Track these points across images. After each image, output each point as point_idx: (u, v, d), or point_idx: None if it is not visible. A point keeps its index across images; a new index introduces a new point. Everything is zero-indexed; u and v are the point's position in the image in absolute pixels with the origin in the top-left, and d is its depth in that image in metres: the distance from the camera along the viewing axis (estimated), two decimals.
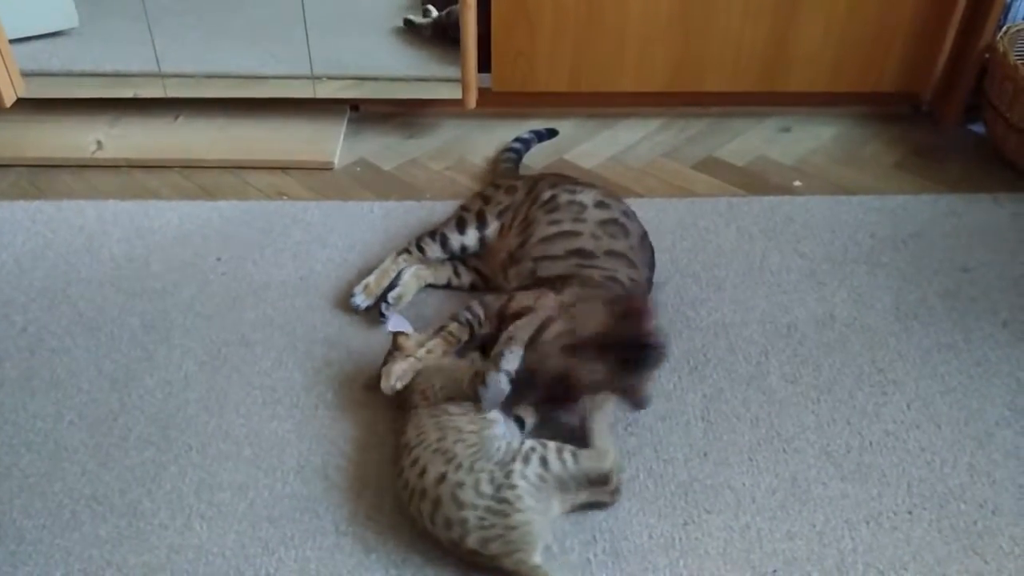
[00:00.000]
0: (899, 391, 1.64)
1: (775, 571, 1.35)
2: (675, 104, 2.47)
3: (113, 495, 1.45)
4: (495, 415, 1.45)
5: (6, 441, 1.54)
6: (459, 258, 1.87)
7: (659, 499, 1.45)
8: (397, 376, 1.51)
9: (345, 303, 1.80)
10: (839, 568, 1.36)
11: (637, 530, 1.40)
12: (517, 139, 2.26)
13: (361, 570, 1.34)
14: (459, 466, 1.33)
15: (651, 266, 1.80)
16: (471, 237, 1.85)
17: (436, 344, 1.60)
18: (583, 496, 1.40)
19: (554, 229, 1.75)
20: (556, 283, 1.65)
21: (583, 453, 1.39)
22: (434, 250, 1.86)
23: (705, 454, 1.53)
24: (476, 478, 1.32)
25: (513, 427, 1.47)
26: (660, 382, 1.65)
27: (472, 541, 1.29)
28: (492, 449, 1.37)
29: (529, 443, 1.38)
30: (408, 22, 2.49)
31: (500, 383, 1.45)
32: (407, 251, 1.86)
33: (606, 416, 1.49)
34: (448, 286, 1.86)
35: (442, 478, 1.33)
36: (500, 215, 1.86)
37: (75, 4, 2.48)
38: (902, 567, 1.36)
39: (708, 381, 1.66)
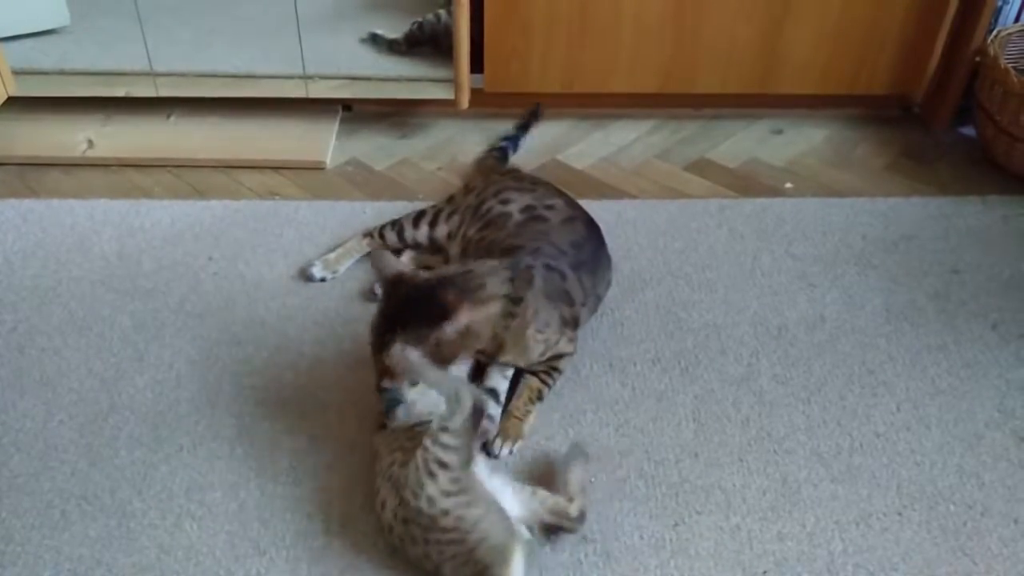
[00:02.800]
0: (889, 392, 1.65)
1: (765, 572, 1.36)
2: (667, 106, 2.47)
3: (103, 495, 1.45)
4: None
5: None
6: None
7: (650, 500, 1.45)
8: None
9: (340, 300, 1.80)
10: (829, 569, 1.36)
11: (628, 531, 1.40)
12: (505, 138, 2.25)
13: (352, 571, 1.34)
14: (403, 500, 1.27)
15: (575, 246, 1.69)
16: (422, 233, 1.89)
17: None
18: (544, 509, 1.35)
19: (481, 236, 1.74)
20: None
21: (444, 420, 1.28)
22: (392, 239, 1.91)
23: (696, 455, 1.53)
24: (416, 510, 1.25)
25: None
26: (652, 383, 1.65)
27: (448, 572, 1.27)
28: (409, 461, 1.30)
29: (419, 454, 1.28)
30: (376, 37, 2.49)
31: (393, 395, 1.42)
32: (371, 235, 1.93)
33: (423, 366, 1.38)
34: None
35: (394, 515, 1.29)
36: (450, 218, 1.87)
37: (67, 2, 2.48)
38: (892, 568, 1.36)
39: (699, 382, 1.66)
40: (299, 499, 1.45)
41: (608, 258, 1.77)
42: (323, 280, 1.87)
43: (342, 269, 1.89)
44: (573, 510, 1.36)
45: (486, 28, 2.26)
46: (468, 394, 1.31)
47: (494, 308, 1.47)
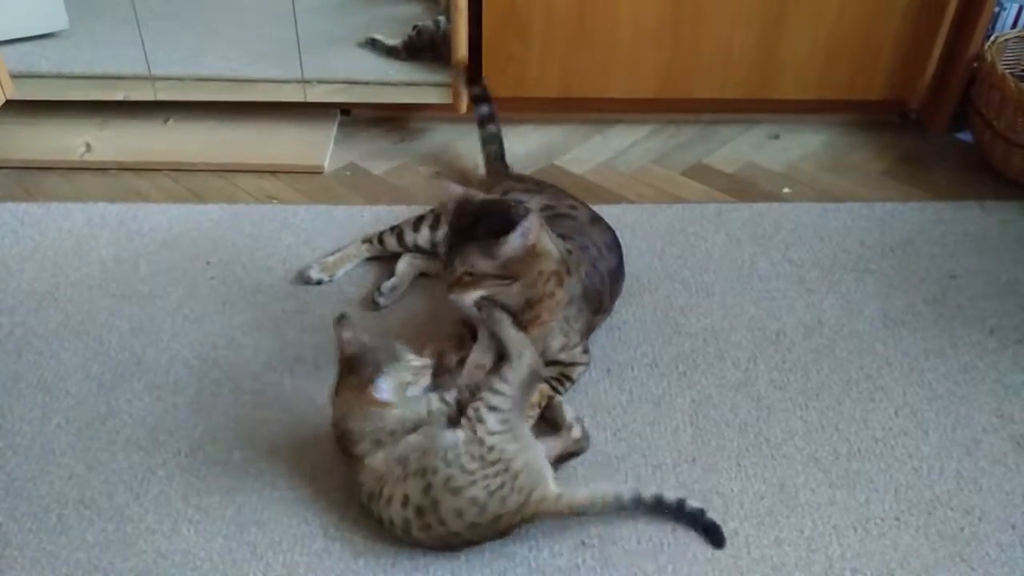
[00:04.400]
0: (887, 398, 1.65)
1: None
2: (665, 111, 2.48)
3: (100, 499, 1.45)
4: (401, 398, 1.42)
5: None
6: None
7: None
8: None
9: (338, 304, 1.80)
10: (827, 574, 1.36)
11: (626, 535, 1.40)
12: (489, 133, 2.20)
13: (349, 574, 1.34)
14: (435, 469, 1.33)
15: (610, 248, 1.75)
16: (423, 237, 1.88)
17: None
18: (554, 444, 1.47)
19: None
20: None
21: (504, 371, 1.41)
22: (392, 244, 1.91)
23: (694, 460, 1.53)
24: (458, 462, 1.32)
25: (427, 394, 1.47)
26: (649, 387, 1.65)
27: (492, 507, 1.31)
28: (439, 432, 1.38)
29: (470, 409, 1.38)
30: (375, 42, 2.49)
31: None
32: (370, 241, 1.93)
33: (504, 319, 1.49)
34: (440, 277, 1.88)
35: (428, 487, 1.32)
36: None
37: (65, 6, 2.47)
38: (889, 573, 1.36)
39: (697, 387, 1.66)
40: (297, 503, 1.44)
41: (623, 267, 1.78)
42: (320, 283, 1.87)
43: (340, 273, 1.89)
44: (576, 432, 1.51)
45: (484, 32, 2.26)
46: (531, 354, 1.44)
47: (555, 250, 1.54)
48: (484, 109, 2.15)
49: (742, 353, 1.74)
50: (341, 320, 1.45)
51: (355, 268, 1.91)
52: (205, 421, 1.58)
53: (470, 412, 1.38)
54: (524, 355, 1.43)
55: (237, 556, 1.37)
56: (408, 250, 1.90)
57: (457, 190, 1.55)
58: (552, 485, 1.36)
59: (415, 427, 1.40)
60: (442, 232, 1.86)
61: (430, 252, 1.89)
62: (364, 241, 1.93)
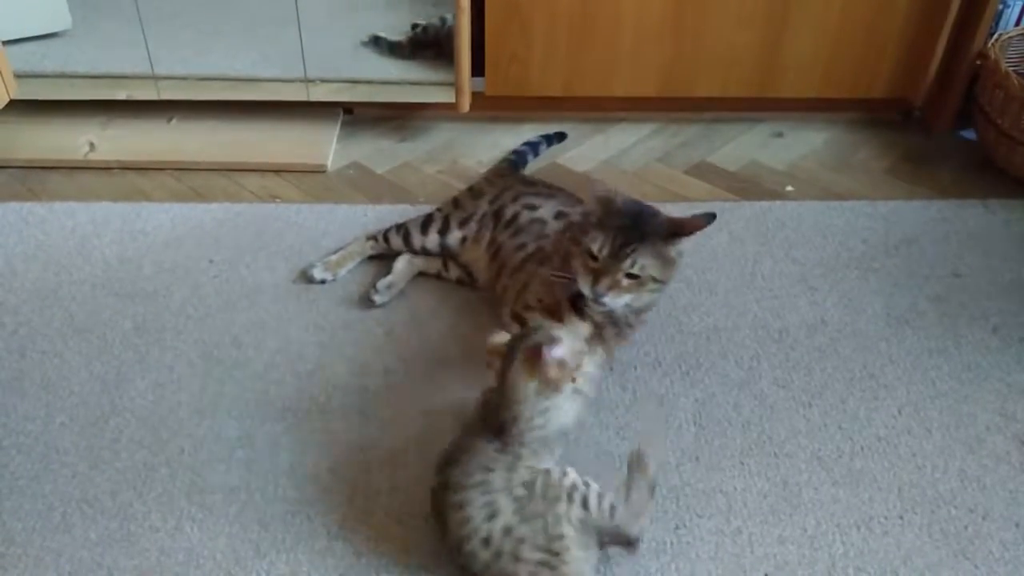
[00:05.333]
0: (890, 396, 1.65)
1: (766, 575, 1.35)
2: (668, 109, 2.48)
3: (104, 497, 1.45)
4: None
5: None
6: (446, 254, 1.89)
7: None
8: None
9: (342, 303, 1.81)
10: (830, 572, 1.36)
11: None
12: (526, 143, 2.26)
13: (352, 574, 1.34)
14: (523, 516, 1.27)
15: None
16: (432, 241, 1.88)
17: None
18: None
19: (521, 255, 1.75)
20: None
21: (620, 510, 1.30)
22: (397, 244, 1.90)
23: (697, 458, 1.53)
24: (532, 529, 1.26)
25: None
26: (652, 386, 1.65)
27: None
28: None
29: (571, 478, 1.30)
30: (378, 39, 2.48)
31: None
32: (375, 239, 1.92)
33: (649, 478, 1.36)
34: (439, 276, 1.89)
35: (508, 530, 1.26)
36: (463, 224, 1.87)
37: (68, 6, 2.48)
38: (893, 572, 1.36)
39: (700, 385, 1.66)
40: (300, 502, 1.45)
41: None
42: (323, 282, 1.87)
43: (343, 272, 1.89)
44: (636, 529, 1.33)
45: (487, 32, 2.26)
46: (645, 525, 1.33)
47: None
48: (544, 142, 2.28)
49: (745, 352, 1.74)
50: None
51: (358, 266, 1.91)
52: (208, 420, 1.58)
53: (568, 482, 1.29)
54: (639, 519, 1.32)
55: (240, 554, 1.37)
56: (414, 252, 1.89)
57: (603, 188, 1.56)
58: None
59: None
60: (454, 235, 1.86)
61: (437, 255, 1.89)
62: (368, 238, 1.93)
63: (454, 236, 1.86)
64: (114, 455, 1.52)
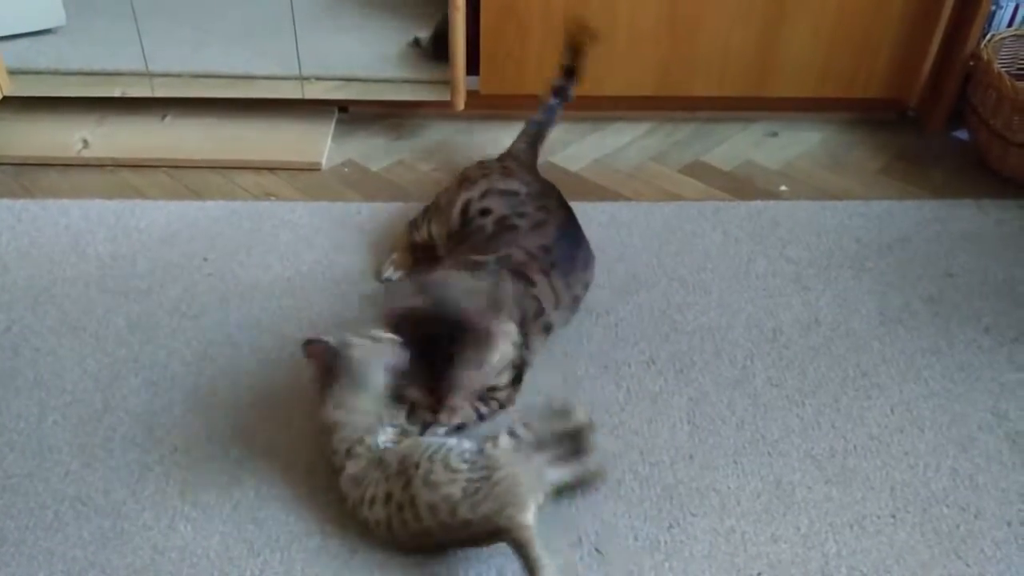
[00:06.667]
0: (883, 395, 1.65)
1: (759, 574, 1.36)
2: (663, 108, 2.48)
3: (97, 496, 1.45)
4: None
5: None
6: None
7: (644, 502, 1.45)
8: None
9: (336, 301, 1.81)
10: (823, 571, 1.36)
11: (622, 532, 1.40)
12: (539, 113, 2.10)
13: (346, 571, 1.34)
14: (418, 464, 1.33)
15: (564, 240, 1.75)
16: (423, 231, 1.90)
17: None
18: (568, 471, 1.41)
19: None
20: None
21: (548, 416, 1.40)
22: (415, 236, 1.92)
23: (691, 457, 1.53)
24: (444, 459, 1.33)
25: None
26: (646, 385, 1.66)
27: (463, 510, 1.28)
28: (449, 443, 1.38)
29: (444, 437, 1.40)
30: (417, 41, 2.50)
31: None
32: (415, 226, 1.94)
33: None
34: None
35: (408, 482, 1.32)
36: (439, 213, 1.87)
37: (62, 2, 2.48)
38: (885, 571, 1.36)
39: (694, 384, 1.66)
40: (294, 500, 1.44)
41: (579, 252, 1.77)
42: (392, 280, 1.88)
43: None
44: (573, 418, 1.43)
45: (482, 30, 2.26)
46: (584, 412, 1.44)
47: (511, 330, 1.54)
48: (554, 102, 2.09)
49: (739, 351, 1.74)
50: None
51: (350, 261, 1.92)
52: (202, 418, 1.58)
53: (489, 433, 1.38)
54: (572, 412, 1.43)
55: (234, 553, 1.37)
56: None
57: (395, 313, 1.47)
58: (529, 514, 1.29)
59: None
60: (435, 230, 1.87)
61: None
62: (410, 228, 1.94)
63: (432, 230, 1.88)
64: (107, 453, 1.51)
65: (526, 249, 1.66)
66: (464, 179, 1.88)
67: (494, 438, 1.36)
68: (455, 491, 1.30)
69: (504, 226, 1.73)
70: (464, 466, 1.32)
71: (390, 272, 1.88)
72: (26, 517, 1.41)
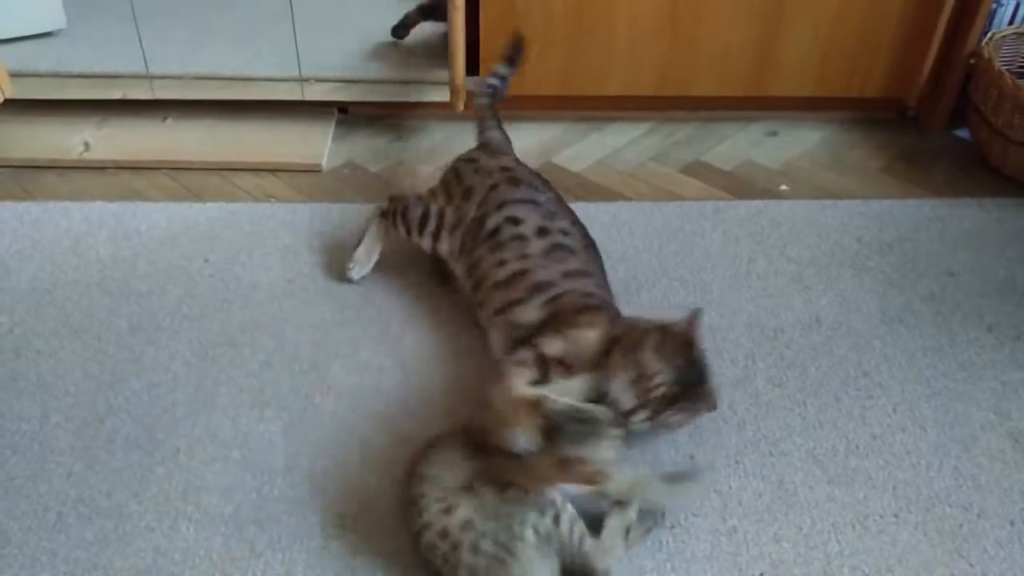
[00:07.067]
0: (885, 395, 1.65)
1: (762, 574, 1.36)
2: (663, 108, 2.48)
3: (99, 497, 1.45)
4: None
5: None
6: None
7: None
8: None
9: (336, 302, 1.81)
10: (825, 571, 1.36)
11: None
12: (494, 74, 2.13)
13: (348, 573, 1.34)
14: (485, 514, 1.29)
15: (599, 265, 1.76)
16: (427, 244, 1.83)
17: None
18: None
19: (503, 273, 1.67)
20: (542, 329, 1.59)
21: (589, 541, 1.31)
22: (402, 233, 1.87)
23: (692, 457, 1.53)
24: (495, 527, 1.28)
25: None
26: None
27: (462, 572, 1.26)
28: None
29: (552, 495, 1.31)
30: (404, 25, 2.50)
31: None
32: (385, 216, 1.91)
33: (625, 519, 1.38)
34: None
35: (467, 524, 1.28)
36: (453, 231, 1.80)
37: (63, 5, 2.47)
38: (888, 570, 1.37)
39: None
40: (295, 501, 1.45)
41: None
42: (363, 279, 1.86)
43: (375, 259, 1.88)
44: (602, 565, 1.33)
45: (482, 31, 2.26)
46: (611, 565, 1.33)
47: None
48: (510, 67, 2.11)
49: (740, 351, 1.74)
50: None
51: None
52: (204, 420, 1.58)
53: (544, 498, 1.31)
54: (607, 556, 1.33)
55: (236, 554, 1.37)
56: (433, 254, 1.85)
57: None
58: None
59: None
60: (443, 246, 1.80)
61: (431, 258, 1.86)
62: (382, 217, 1.91)
63: (443, 247, 1.81)
64: (109, 455, 1.52)
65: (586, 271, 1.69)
66: (471, 185, 1.84)
67: (540, 512, 1.30)
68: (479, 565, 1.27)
69: (555, 245, 1.70)
70: (500, 542, 1.27)
71: (355, 270, 1.86)
72: (29, 519, 1.42)
